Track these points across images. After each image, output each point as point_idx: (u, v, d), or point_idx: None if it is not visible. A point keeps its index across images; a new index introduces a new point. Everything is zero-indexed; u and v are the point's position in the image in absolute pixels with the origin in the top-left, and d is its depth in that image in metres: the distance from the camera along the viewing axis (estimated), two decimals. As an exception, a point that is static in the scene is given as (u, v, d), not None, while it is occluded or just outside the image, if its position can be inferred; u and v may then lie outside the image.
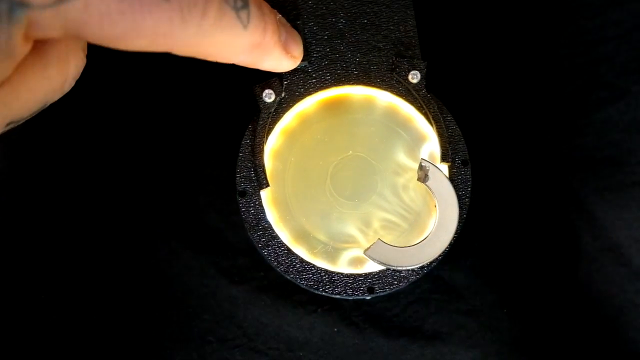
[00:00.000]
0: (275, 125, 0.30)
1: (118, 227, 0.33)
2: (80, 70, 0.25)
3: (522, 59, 0.35)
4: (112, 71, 0.33)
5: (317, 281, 0.29)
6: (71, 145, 0.34)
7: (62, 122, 0.33)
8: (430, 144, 0.31)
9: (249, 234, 0.30)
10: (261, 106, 0.30)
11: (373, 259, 0.29)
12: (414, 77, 0.30)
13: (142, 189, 0.34)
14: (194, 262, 0.33)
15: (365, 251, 0.29)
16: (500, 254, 0.34)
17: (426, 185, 0.29)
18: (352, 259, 0.30)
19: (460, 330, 0.33)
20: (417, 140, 0.31)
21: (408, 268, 0.29)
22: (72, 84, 0.25)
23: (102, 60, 0.28)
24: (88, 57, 0.26)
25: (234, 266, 0.33)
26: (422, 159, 0.30)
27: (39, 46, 0.23)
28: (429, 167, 0.29)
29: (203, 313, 0.33)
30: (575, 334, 0.33)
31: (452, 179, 0.30)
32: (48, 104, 0.25)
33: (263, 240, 0.30)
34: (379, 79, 0.31)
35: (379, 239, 0.29)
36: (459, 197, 0.29)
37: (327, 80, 0.31)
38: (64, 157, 0.34)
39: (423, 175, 0.29)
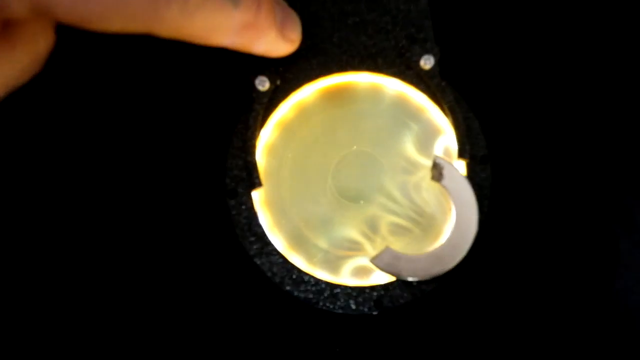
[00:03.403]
0: (269, 117, 0.30)
1: (108, 226, 0.33)
2: (50, 49, 0.25)
3: (547, 44, 0.34)
4: (105, 67, 0.33)
5: (317, 294, 0.29)
6: (65, 142, 0.34)
7: (52, 114, 0.33)
8: (445, 138, 0.30)
9: (239, 240, 0.29)
10: (254, 95, 0.29)
11: (381, 269, 0.28)
12: (427, 62, 0.30)
13: (135, 186, 0.33)
14: (187, 263, 0.32)
15: (372, 259, 0.28)
16: (524, 261, 0.33)
17: (441, 184, 0.29)
18: (356, 269, 0.29)
19: (473, 338, 0.32)
20: (430, 134, 0.31)
21: (421, 279, 0.28)
22: (43, 64, 0.25)
23: (93, 56, 0.29)
24: (77, 51, 0.27)
25: (228, 268, 0.32)
26: (435, 155, 0.29)
27: (5, 27, 0.22)
28: (443, 164, 0.29)
29: (201, 313, 0.33)
30: (606, 344, 0.32)
31: (469, 177, 0.29)
32: (18, 87, 0.25)
33: (255, 248, 0.29)
34: (387, 64, 0.30)
35: (387, 245, 0.28)
36: (478, 199, 0.29)
37: (328, 66, 0.30)
38: (57, 154, 0.34)
39: (437, 173, 0.29)
